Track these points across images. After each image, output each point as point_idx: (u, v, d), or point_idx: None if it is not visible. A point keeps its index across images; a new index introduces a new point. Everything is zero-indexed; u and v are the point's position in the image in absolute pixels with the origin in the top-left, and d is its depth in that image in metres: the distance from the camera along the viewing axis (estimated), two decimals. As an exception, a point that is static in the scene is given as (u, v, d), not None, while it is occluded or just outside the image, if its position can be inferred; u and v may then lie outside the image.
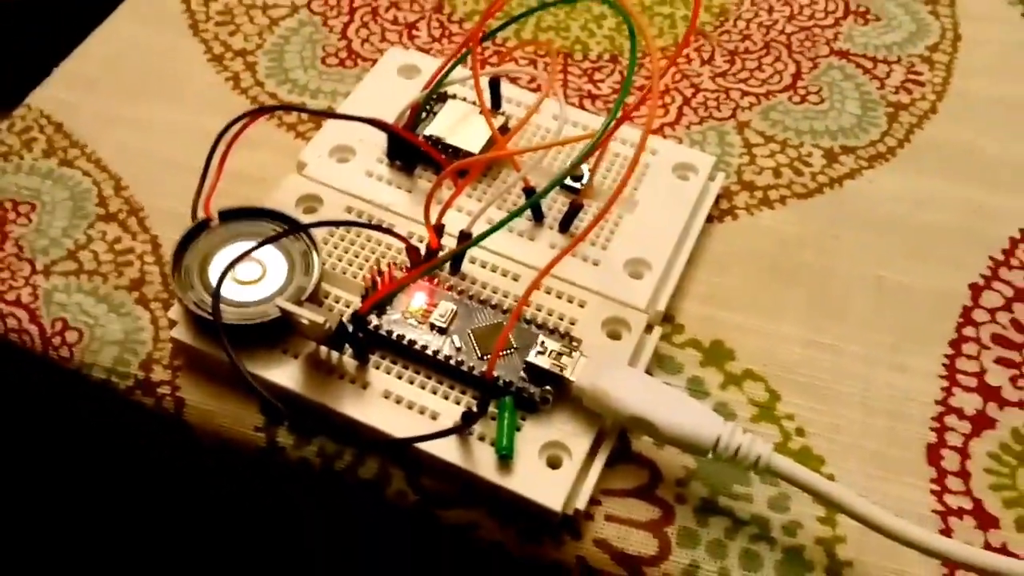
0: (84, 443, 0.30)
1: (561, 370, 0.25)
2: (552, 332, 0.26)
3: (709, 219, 0.31)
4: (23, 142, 0.32)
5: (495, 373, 0.25)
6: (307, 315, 0.24)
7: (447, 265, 0.28)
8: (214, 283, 0.26)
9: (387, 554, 0.28)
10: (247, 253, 0.25)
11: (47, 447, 0.32)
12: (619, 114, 0.24)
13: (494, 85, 0.31)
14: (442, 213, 0.27)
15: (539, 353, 0.25)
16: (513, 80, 0.34)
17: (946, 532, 0.25)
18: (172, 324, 0.27)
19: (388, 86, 0.33)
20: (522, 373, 0.25)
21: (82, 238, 0.30)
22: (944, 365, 0.28)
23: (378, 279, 0.26)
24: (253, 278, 0.26)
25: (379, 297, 0.25)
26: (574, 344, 0.26)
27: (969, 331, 0.29)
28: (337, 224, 0.28)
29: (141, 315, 0.28)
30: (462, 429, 0.24)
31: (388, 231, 0.27)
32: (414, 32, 0.36)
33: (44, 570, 0.39)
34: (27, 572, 0.40)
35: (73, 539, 0.37)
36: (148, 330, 0.28)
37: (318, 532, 0.29)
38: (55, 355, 0.27)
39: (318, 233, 0.28)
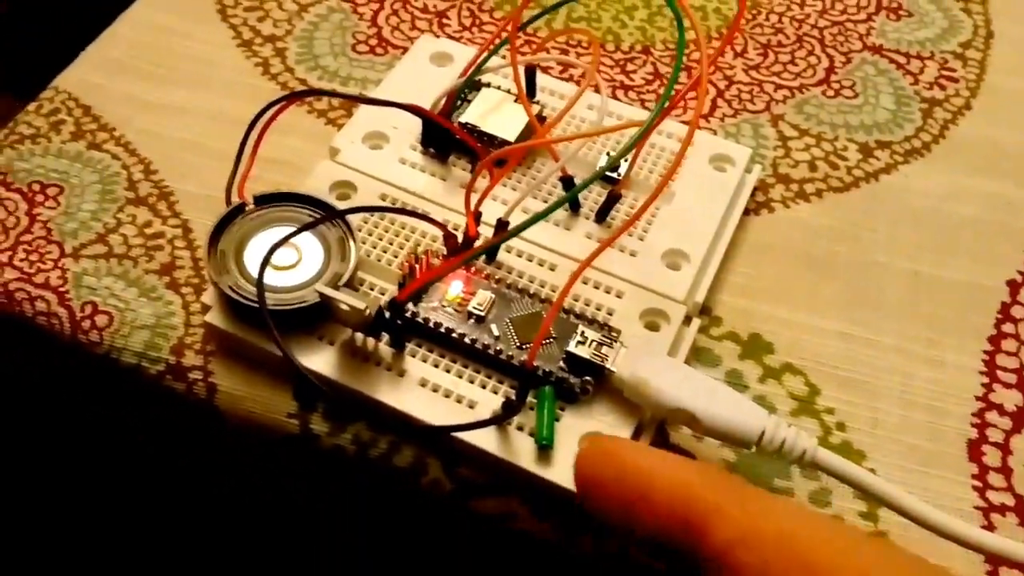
0: (113, 429, 0.30)
1: (602, 360, 0.25)
2: (591, 322, 0.26)
3: (745, 212, 0.30)
4: (51, 124, 0.31)
5: (536, 362, 0.25)
6: (347, 300, 0.24)
7: (483, 254, 0.27)
8: (250, 268, 0.26)
9: (420, 542, 0.28)
10: (287, 238, 0.24)
11: (74, 433, 0.31)
12: (667, 105, 0.24)
13: (530, 74, 0.31)
14: (480, 201, 0.27)
15: (579, 343, 0.25)
16: (545, 70, 0.34)
17: (989, 528, 0.25)
18: (205, 309, 0.26)
19: (420, 73, 0.32)
20: (562, 363, 0.25)
21: (111, 221, 0.29)
22: (983, 361, 0.28)
23: (416, 266, 0.26)
24: (290, 263, 0.26)
25: (418, 285, 0.24)
26: (614, 334, 0.26)
27: (1008, 327, 0.28)
28: (375, 210, 0.27)
29: (172, 299, 0.28)
30: (503, 419, 0.23)
31: (426, 218, 0.26)
32: (444, 20, 0.36)
33: (70, 557, 0.39)
34: (53, 559, 0.40)
35: (98, 527, 0.37)
36: (179, 315, 0.27)
37: (351, 520, 0.28)
38: (84, 339, 0.27)
39: (353, 220, 0.27)
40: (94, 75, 0.33)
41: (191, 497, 0.31)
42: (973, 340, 0.28)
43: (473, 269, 0.27)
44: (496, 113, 0.30)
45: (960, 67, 0.35)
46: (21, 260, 0.28)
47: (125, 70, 0.33)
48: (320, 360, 0.25)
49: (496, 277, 0.27)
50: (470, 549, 0.27)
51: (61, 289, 0.28)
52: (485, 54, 0.29)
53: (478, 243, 0.27)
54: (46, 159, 0.31)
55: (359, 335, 0.25)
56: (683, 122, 0.32)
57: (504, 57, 0.30)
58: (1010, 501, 0.25)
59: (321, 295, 0.24)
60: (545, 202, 0.29)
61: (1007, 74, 0.35)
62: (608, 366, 0.25)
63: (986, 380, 0.27)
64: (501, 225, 0.27)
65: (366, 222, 0.28)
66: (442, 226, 0.26)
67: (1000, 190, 0.32)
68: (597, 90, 0.28)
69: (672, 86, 0.24)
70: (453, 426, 0.23)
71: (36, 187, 0.30)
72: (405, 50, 0.34)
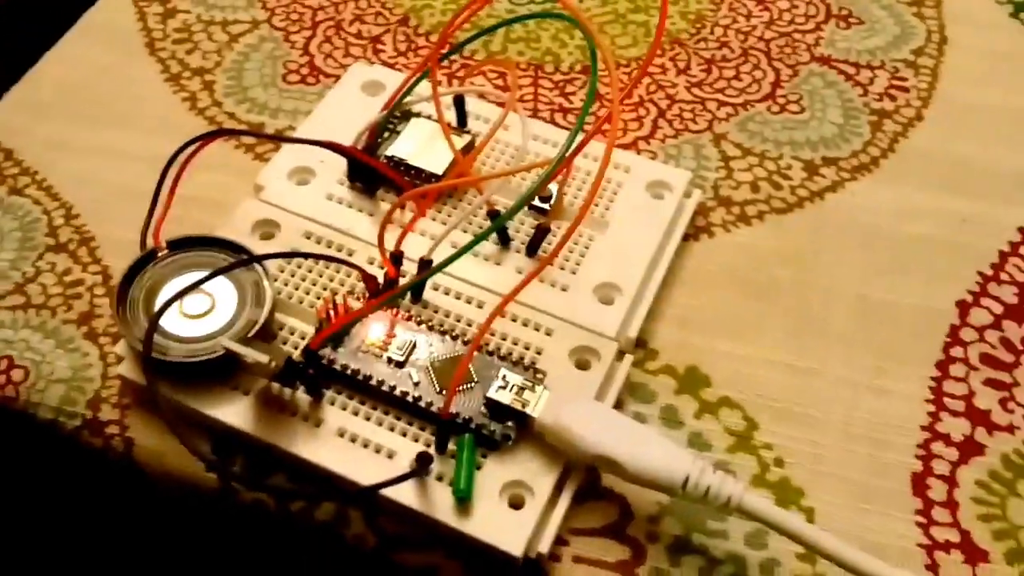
0: (35, 487, 0.29)
1: (523, 406, 0.24)
2: (516, 364, 0.25)
3: (685, 237, 0.29)
4: (-29, 170, 0.31)
5: (454, 409, 0.24)
6: (251, 355, 0.23)
7: (408, 293, 0.26)
8: (160, 317, 0.25)
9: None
10: (187, 290, 0.24)
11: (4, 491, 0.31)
12: (580, 135, 0.23)
13: (459, 102, 0.30)
14: (400, 240, 0.26)
15: (500, 388, 0.24)
16: (482, 96, 0.33)
17: (933, 567, 0.24)
18: (119, 360, 0.26)
19: (351, 104, 0.31)
20: (483, 409, 0.24)
21: (30, 270, 0.29)
22: (930, 388, 0.27)
23: (331, 312, 0.25)
24: (201, 311, 0.25)
25: (329, 333, 0.24)
26: (538, 377, 0.25)
27: (956, 351, 0.27)
28: (287, 256, 0.27)
29: (89, 351, 0.27)
30: (418, 473, 0.22)
31: (342, 260, 0.26)
32: (379, 46, 0.35)
33: None
34: None
35: None
36: (97, 366, 0.27)
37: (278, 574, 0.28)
38: (0, 394, 0.26)
39: (272, 261, 0.27)
40: (17, 118, 0.32)
41: (121, 553, 0.31)
42: (920, 366, 0.27)
43: (396, 310, 0.26)
44: (425, 144, 0.29)
45: (912, 76, 0.34)
46: (-64, 313, 0.27)
47: (50, 111, 0.32)
48: (234, 412, 0.24)
49: (420, 318, 0.26)
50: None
51: (-24, 343, 0.27)
52: (408, 84, 0.28)
53: (402, 282, 0.26)
54: (-35, 206, 0.30)
55: (275, 384, 0.25)
56: (622, 146, 0.31)
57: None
58: (955, 537, 0.24)
59: (226, 349, 0.23)
60: (474, 236, 0.28)
61: (961, 82, 0.34)
62: (530, 412, 0.24)
63: (932, 408, 0.26)
64: (424, 264, 0.26)
65: (288, 263, 0.27)
66: (360, 269, 0.25)
67: (953, 205, 0.31)
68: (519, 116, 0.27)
69: (584, 116, 0.23)
70: (368, 487, 0.22)
71: (-45, 236, 0.29)
72: (338, 79, 0.33)
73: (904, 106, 0.33)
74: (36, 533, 0.31)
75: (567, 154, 0.23)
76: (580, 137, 0.23)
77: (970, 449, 0.26)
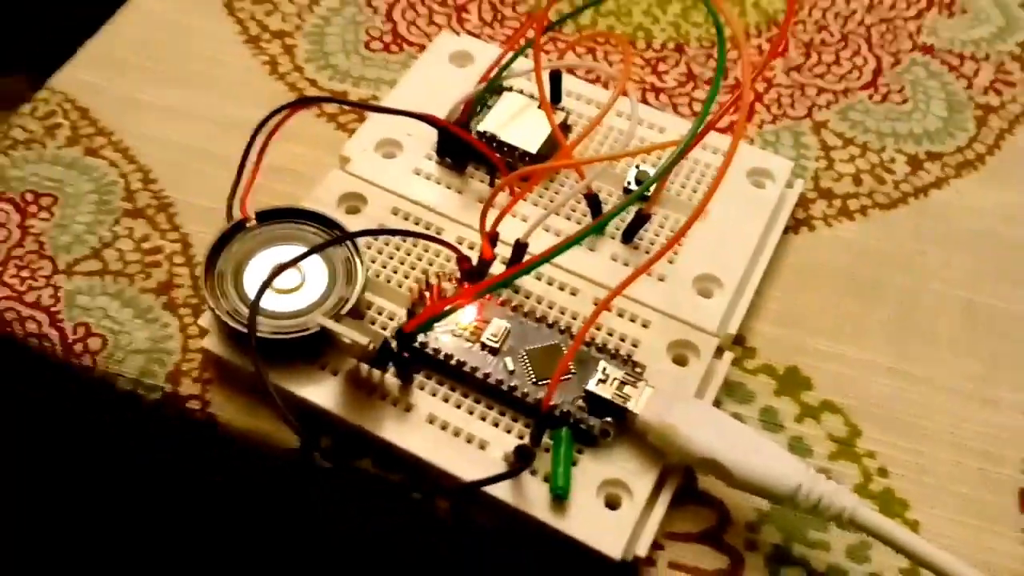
0: (110, 452, 0.28)
1: (624, 401, 0.23)
2: (614, 357, 0.24)
3: (784, 230, 0.28)
4: (46, 128, 0.30)
5: (551, 401, 0.23)
6: (348, 334, 0.22)
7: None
8: (249, 290, 0.24)
9: (376, 533, 0.26)
10: (287, 265, 0.22)
11: (71, 457, 0.30)
12: (705, 123, 0.21)
13: (555, 79, 0.29)
14: (496, 222, 0.25)
15: (600, 381, 0.23)
16: (572, 72, 0.31)
17: (1043, 591, 0.23)
18: (203, 333, 0.25)
19: (438, 75, 0.30)
20: (580, 402, 0.23)
21: (107, 235, 0.28)
22: (1040, 401, 0.25)
23: (426, 294, 0.24)
24: (291, 287, 0.24)
25: (425, 319, 0.23)
26: (638, 372, 0.24)
27: (1067, 363, 0.26)
28: (382, 233, 0.26)
29: (169, 321, 0.26)
30: (518, 472, 0.21)
31: (439, 240, 0.24)
32: (464, 15, 0.33)
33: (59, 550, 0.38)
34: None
35: (93, 550, 0.36)
36: (176, 338, 0.26)
37: (361, 545, 0.27)
38: (77, 363, 0.25)
39: (362, 238, 0.26)
40: (91, 75, 0.31)
41: (198, 517, 0.30)
42: (1030, 377, 0.26)
43: (490, 296, 0.25)
44: (518, 121, 0.28)
45: (1018, 69, 0.33)
46: (12, 277, 0.27)
47: (124, 69, 0.31)
48: (321, 392, 0.23)
49: (513, 303, 0.25)
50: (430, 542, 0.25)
51: (53, 309, 0.26)
52: (507, 57, 0.27)
53: (494, 266, 0.25)
54: (40, 166, 0.29)
55: (364, 365, 0.24)
56: (719, 130, 0.30)
57: (528, 58, 0.28)
58: (1067, 560, 0.23)
59: (321, 326, 0.22)
60: (568, 220, 0.27)
61: (1070, 78, 0.32)
62: (631, 408, 0.23)
63: (1043, 422, 0.25)
64: (519, 247, 0.25)
65: (377, 239, 0.26)
66: (455, 249, 0.24)
67: (1061, 208, 0.29)
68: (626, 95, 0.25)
69: (711, 103, 0.22)
70: (470, 483, 0.22)
71: (29, 197, 0.28)
72: (422, 47, 0.32)
73: (1010, 101, 0.32)
74: (115, 494, 0.31)
75: (686, 148, 0.22)
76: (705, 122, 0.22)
77: (1082, 467, 0.24)
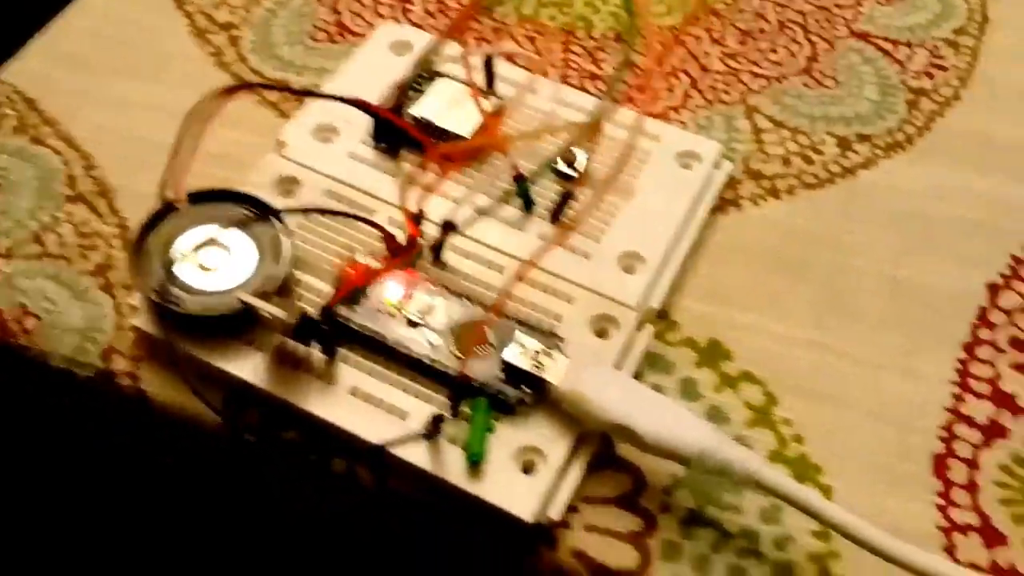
0: (49, 430, 0.29)
1: (540, 371, 0.23)
2: (534, 329, 0.25)
3: (713, 210, 0.29)
4: (-6, 118, 0.31)
5: (469, 372, 0.23)
6: (268, 308, 0.22)
7: (428, 255, 0.26)
8: (176, 270, 0.25)
9: (361, 547, 0.27)
10: (207, 240, 0.23)
11: (11, 436, 0.31)
12: (612, 99, 0.22)
13: (489, 64, 0.29)
14: (422, 201, 0.25)
15: (518, 352, 0.24)
16: (512, 59, 0.32)
17: (950, 550, 0.23)
18: (135, 311, 0.25)
19: (378, 63, 0.31)
20: (499, 373, 0.24)
21: (48, 220, 0.28)
22: (956, 370, 0.26)
23: (351, 271, 0.25)
24: (218, 265, 0.25)
25: (347, 291, 0.23)
26: (556, 343, 0.24)
27: (984, 333, 0.27)
28: (307, 211, 0.26)
29: (103, 302, 0.27)
30: (429, 435, 0.22)
31: (362, 219, 0.25)
32: (408, 6, 0.34)
33: (47, 566, 0.38)
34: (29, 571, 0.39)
35: (34, 527, 0.36)
36: (110, 317, 0.26)
37: (291, 518, 0.28)
38: (14, 342, 0.26)
39: (292, 218, 0.26)
40: (41, 66, 0.32)
41: (132, 493, 0.31)
42: (947, 348, 0.26)
43: (415, 271, 0.26)
44: (451, 106, 0.29)
45: (952, 55, 0.33)
46: (-46, 259, 0.27)
47: (73, 62, 0.32)
48: (247, 367, 0.24)
49: (439, 280, 0.26)
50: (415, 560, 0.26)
51: (-8, 290, 0.27)
52: (437, 43, 0.28)
53: (422, 244, 0.26)
54: (-14, 154, 0.30)
55: (291, 341, 0.24)
56: (652, 114, 0.31)
57: (460, 44, 0.28)
58: (975, 521, 0.24)
59: (242, 302, 0.23)
60: (498, 201, 0.28)
61: (1001, 62, 0.33)
62: (546, 377, 0.23)
63: (957, 390, 0.26)
64: (447, 225, 0.26)
65: (308, 220, 0.27)
66: (380, 227, 0.25)
67: (987, 187, 0.30)
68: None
69: (620, 79, 0.22)
70: (378, 444, 0.22)
71: (-25, 183, 0.29)
72: (366, 38, 0.33)
73: (942, 85, 0.32)
74: (46, 478, 0.31)
75: (595, 119, 0.23)
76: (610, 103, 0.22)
77: (994, 432, 0.25)
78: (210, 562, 0.34)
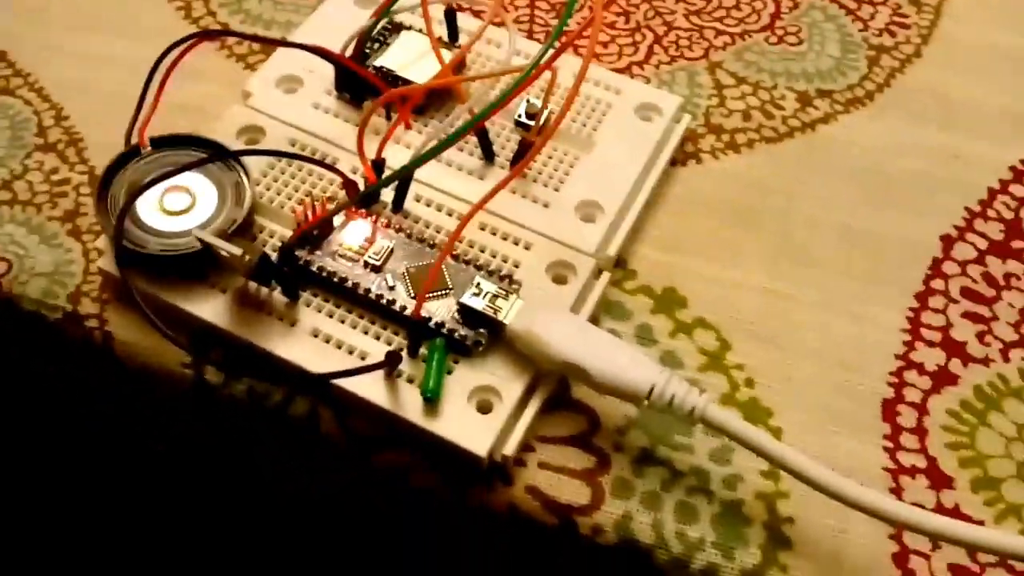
0: (82, 420, 0.30)
1: (495, 313, 0.24)
2: (491, 274, 0.25)
3: (673, 163, 0.29)
4: (-36, 70, 0.31)
5: (426, 313, 0.24)
6: (226, 247, 0.23)
7: (389, 203, 0.27)
8: (139, 212, 0.25)
9: (321, 493, 0.28)
10: (161, 178, 0.24)
11: (47, 424, 0.31)
12: (557, 42, 0.23)
13: (451, 16, 0.30)
14: (381, 147, 0.26)
15: (474, 295, 0.24)
16: (477, 14, 0.32)
17: (896, 491, 0.24)
18: (101, 254, 0.26)
19: (344, 16, 0.31)
20: (455, 315, 0.24)
21: (18, 168, 0.29)
22: (908, 318, 0.27)
23: (310, 214, 0.25)
24: (181, 208, 0.25)
25: (304, 229, 0.24)
26: (513, 287, 0.25)
27: (937, 283, 0.27)
28: (265, 153, 0.27)
29: (72, 247, 0.27)
30: (382, 367, 0.23)
31: (322, 164, 0.26)
32: (377, -37, 0.34)
33: (37, 553, 0.39)
34: (19, 558, 0.40)
35: (68, 520, 0.37)
36: (79, 262, 0.27)
37: (252, 468, 0.28)
38: (-16, 286, 0.26)
39: (256, 166, 0.27)
40: (12, 22, 0.32)
41: (95, 442, 0.31)
42: (900, 297, 0.27)
43: (376, 218, 0.26)
44: (415, 57, 0.29)
45: (914, 12, 0.34)
46: (-76, 206, 0.28)
47: (44, 16, 0.32)
48: (210, 308, 0.25)
49: (399, 226, 0.26)
50: (374, 500, 0.27)
51: (-38, 236, 0.27)
52: (399, -5, 0.28)
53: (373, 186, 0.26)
54: (-43, 105, 0.30)
55: (253, 284, 0.25)
56: (616, 70, 0.31)
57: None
58: (922, 463, 0.24)
59: (200, 240, 0.23)
60: (460, 151, 0.28)
61: (961, 20, 0.33)
62: (502, 319, 0.24)
63: (908, 338, 0.26)
64: (406, 172, 0.26)
65: (272, 168, 0.27)
66: (339, 172, 0.25)
67: (945, 142, 0.30)
68: (503, 26, 0.27)
69: (564, 21, 0.23)
70: (331, 373, 0.23)
71: (-55, 133, 0.29)
72: (333, -6, 0.33)
73: (903, 42, 0.33)
74: (13, 418, 0.32)
75: (539, 62, 0.23)
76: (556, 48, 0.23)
77: (943, 379, 0.26)
78: (194, 543, 0.34)
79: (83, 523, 0.37)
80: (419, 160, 0.22)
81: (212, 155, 0.25)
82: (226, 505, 0.32)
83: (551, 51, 0.23)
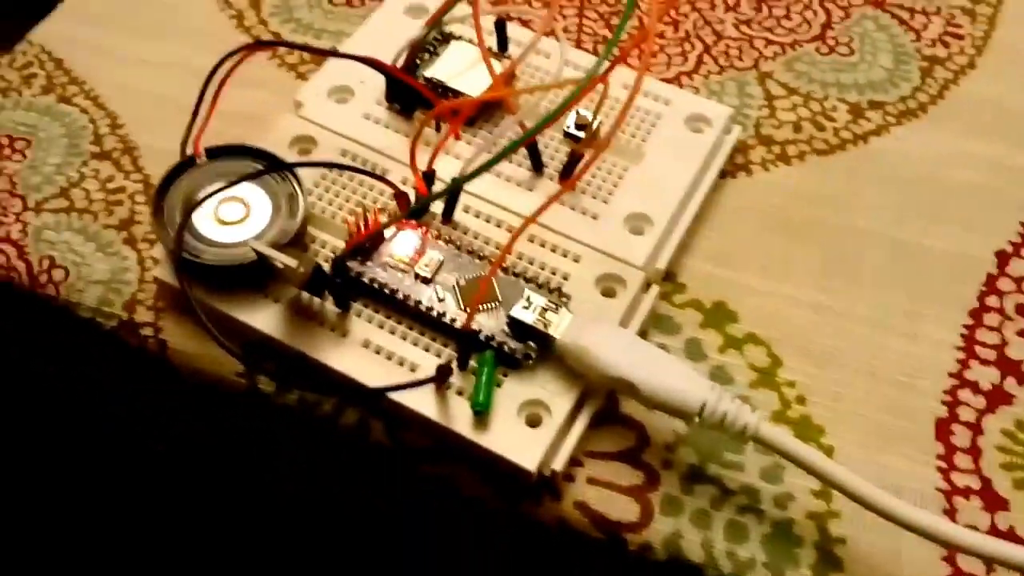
0: (72, 379, 0.30)
1: (545, 326, 0.24)
2: (541, 287, 0.25)
3: (722, 174, 0.29)
4: (23, 78, 0.31)
5: (476, 327, 0.24)
6: (281, 259, 0.23)
7: (439, 214, 0.27)
8: (195, 223, 0.25)
9: (371, 501, 0.28)
10: (222, 189, 0.24)
11: (46, 425, 0.32)
12: (611, 56, 0.22)
13: (500, 26, 0.30)
14: (432, 158, 0.26)
15: (524, 308, 0.24)
16: (526, 23, 0.32)
17: (950, 512, 0.23)
18: (157, 264, 0.26)
19: (394, 26, 0.31)
20: (505, 328, 0.24)
21: (75, 176, 0.29)
22: (962, 335, 0.26)
23: (361, 225, 0.25)
24: (236, 218, 0.25)
25: (357, 242, 0.24)
26: (562, 300, 0.25)
27: (992, 300, 0.27)
28: (320, 165, 0.27)
29: (128, 255, 0.27)
30: (434, 381, 0.23)
31: (374, 175, 0.26)
32: (426, -28, 0.35)
33: (39, 552, 0.40)
34: (21, 557, 0.40)
35: (68, 518, 0.37)
36: (134, 270, 0.27)
37: (303, 475, 0.28)
38: (42, 293, 0.27)
39: (308, 176, 0.27)
40: (68, 28, 0.33)
41: (163, 489, 0.32)
42: (953, 313, 0.27)
43: (427, 229, 0.26)
44: (465, 68, 0.29)
45: (968, 23, 0.33)
46: (-16, 213, 0.28)
47: (99, 23, 0.33)
48: (263, 318, 0.25)
49: (449, 238, 0.26)
50: (418, 509, 0.27)
51: (21, 243, 0.28)
52: (449, 4, 0.28)
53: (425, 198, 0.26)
54: (16, 112, 0.31)
55: (305, 294, 0.25)
56: (665, 79, 0.31)
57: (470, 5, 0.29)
58: (976, 484, 0.24)
59: (256, 252, 0.24)
60: (510, 162, 0.28)
61: (1016, 30, 0.33)
62: (552, 332, 0.24)
63: (962, 356, 0.26)
64: (457, 184, 0.26)
65: (323, 179, 0.27)
66: (391, 184, 0.26)
67: (999, 154, 0.30)
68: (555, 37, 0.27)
69: (618, 35, 0.23)
70: (384, 387, 0.23)
71: (5, 140, 0.30)
72: (383, 2, 0.33)
73: (957, 53, 0.32)
74: (72, 419, 0.32)
75: (595, 75, 0.23)
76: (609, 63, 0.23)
77: (998, 398, 0.25)
78: (195, 543, 0.35)
79: (86, 523, 0.38)
80: (471, 175, 0.22)
81: (269, 167, 0.25)
82: (228, 505, 0.32)
83: (604, 64, 0.23)
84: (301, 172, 0.26)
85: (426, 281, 0.25)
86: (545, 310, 0.24)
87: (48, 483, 0.37)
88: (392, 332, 0.25)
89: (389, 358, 0.24)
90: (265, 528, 0.32)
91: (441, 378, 0.23)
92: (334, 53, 0.28)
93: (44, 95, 0.31)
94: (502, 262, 0.23)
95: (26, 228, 0.28)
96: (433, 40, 0.30)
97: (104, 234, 0.28)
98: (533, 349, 0.24)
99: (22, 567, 0.41)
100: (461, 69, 0.29)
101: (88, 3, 0.33)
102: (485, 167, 0.22)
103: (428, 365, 0.24)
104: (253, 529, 0.33)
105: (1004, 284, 0.27)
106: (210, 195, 0.24)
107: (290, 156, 0.28)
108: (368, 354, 0.24)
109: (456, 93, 0.29)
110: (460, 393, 0.24)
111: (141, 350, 0.26)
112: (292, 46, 0.30)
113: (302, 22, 0.33)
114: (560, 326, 0.24)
